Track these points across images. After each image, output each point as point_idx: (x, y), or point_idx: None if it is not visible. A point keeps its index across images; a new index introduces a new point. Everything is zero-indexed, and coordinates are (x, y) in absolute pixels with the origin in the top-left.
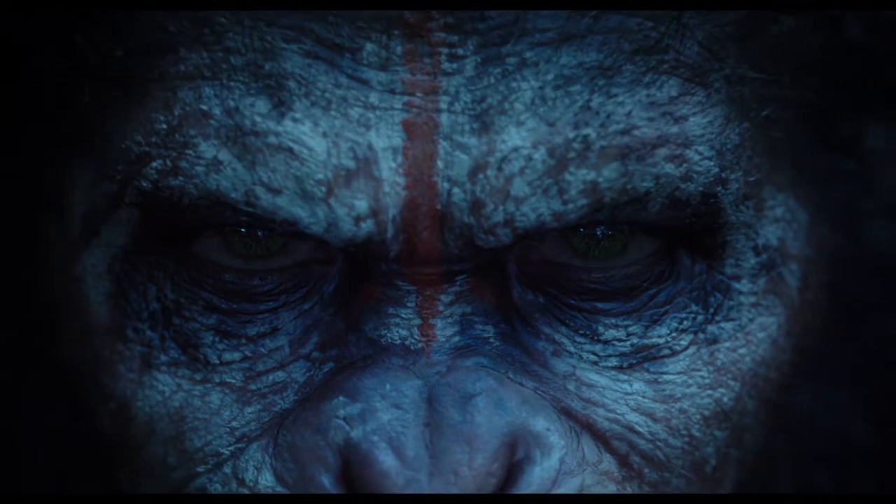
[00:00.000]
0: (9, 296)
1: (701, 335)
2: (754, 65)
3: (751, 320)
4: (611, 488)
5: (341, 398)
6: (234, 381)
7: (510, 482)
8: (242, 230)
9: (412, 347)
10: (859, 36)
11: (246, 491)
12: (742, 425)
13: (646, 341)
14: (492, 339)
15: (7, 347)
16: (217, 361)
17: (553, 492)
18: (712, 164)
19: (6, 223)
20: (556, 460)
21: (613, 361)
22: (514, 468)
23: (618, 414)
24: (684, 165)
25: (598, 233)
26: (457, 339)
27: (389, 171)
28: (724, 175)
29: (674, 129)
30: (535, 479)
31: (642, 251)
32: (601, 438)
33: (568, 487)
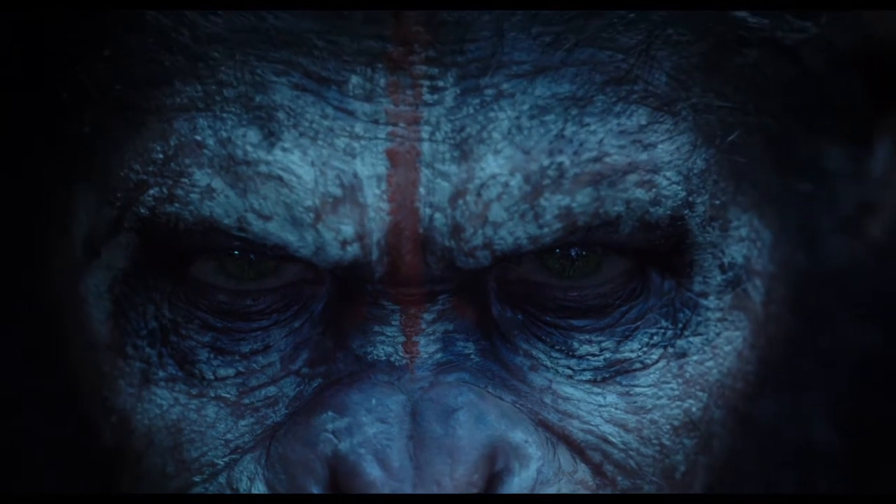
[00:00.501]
0: (16, 312)
1: (670, 349)
2: (719, 94)
3: (717, 334)
4: (583, 493)
5: (330, 413)
6: (228, 395)
7: (490, 492)
8: (235, 253)
9: (397, 364)
10: (816, 66)
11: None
12: (710, 433)
13: (618, 356)
14: (472, 356)
15: (15, 361)
16: (212, 377)
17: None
18: (680, 188)
19: (15, 243)
20: (534, 471)
21: (588, 375)
22: (493, 478)
23: (592, 425)
24: (653, 190)
25: (573, 254)
26: (439, 355)
27: (374, 197)
28: (691, 199)
29: (643, 156)
30: (513, 489)
31: (614, 270)
32: (576, 449)
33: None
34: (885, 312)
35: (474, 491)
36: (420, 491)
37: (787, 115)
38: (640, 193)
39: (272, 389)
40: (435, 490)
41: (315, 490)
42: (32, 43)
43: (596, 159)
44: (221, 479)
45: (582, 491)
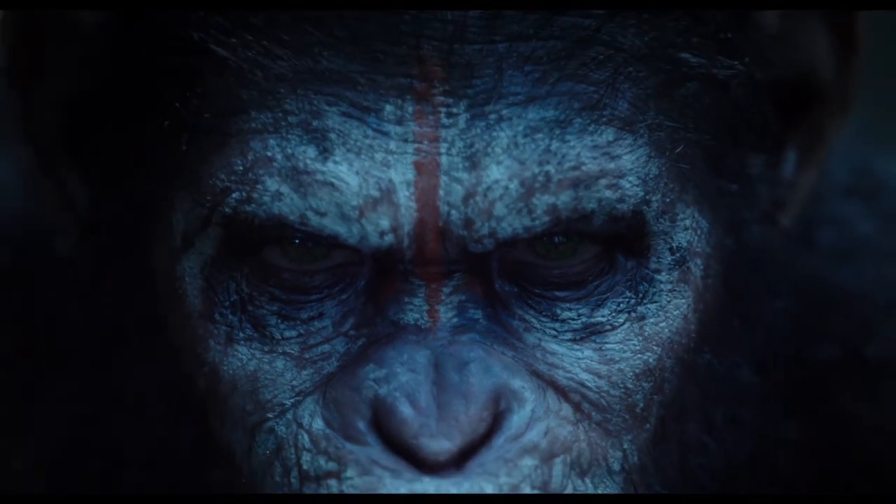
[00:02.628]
0: (133, 290)
1: (633, 314)
2: (668, 117)
3: (668, 302)
4: (568, 427)
5: (371, 365)
6: (292, 351)
7: (496, 426)
8: (297, 242)
9: (422, 327)
10: (741, 95)
11: (304, 432)
12: (662, 378)
13: (592, 320)
14: (480, 320)
15: (132, 328)
16: (279, 337)
17: (526, 433)
18: (639, 189)
19: (131, 237)
20: (529, 410)
21: (568, 335)
22: (498, 416)
23: (573, 374)
24: (619, 191)
25: (556, 240)
26: (455, 320)
27: (405, 198)
28: (647, 197)
29: (611, 165)
30: (514, 424)
31: (588, 253)
32: (561, 392)
33: (538, 429)
34: (791, 284)
35: (483, 425)
36: (441, 424)
37: (719, 133)
38: (608, 193)
39: (326, 347)
40: (454, 424)
41: (360, 424)
42: (144, 84)
43: (575, 168)
44: (289, 416)
45: (565, 424)
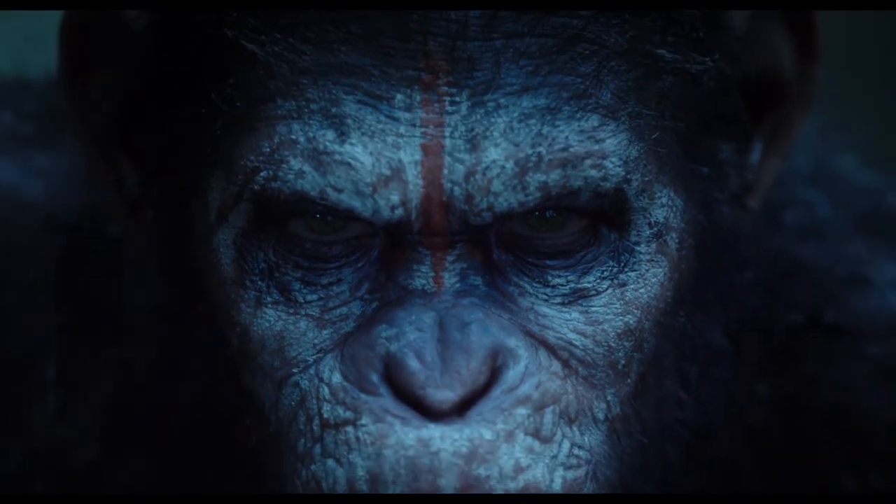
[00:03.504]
0: (174, 261)
1: (615, 281)
2: (647, 106)
3: (647, 270)
4: (557, 381)
5: (384, 325)
6: (313, 313)
7: (494, 380)
8: (318, 216)
9: (428, 291)
10: (712, 88)
11: (324, 385)
12: (642, 338)
13: (579, 286)
14: (480, 286)
15: (175, 294)
16: (302, 301)
17: (520, 386)
18: (621, 170)
19: (173, 215)
20: (523, 365)
21: (558, 299)
22: (496, 371)
23: (562, 334)
24: (602, 171)
25: (548, 215)
26: (458, 285)
27: (413, 176)
28: (628, 177)
29: (595, 148)
30: (509, 378)
31: (576, 227)
32: (551, 350)
33: (530, 383)
34: (758, 258)
35: (482, 378)
36: (445, 377)
37: (692, 122)
38: (593, 173)
39: (344, 309)
40: (456, 377)
41: (374, 378)
42: (184, 78)
43: (563, 150)
44: (311, 371)
45: (555, 378)
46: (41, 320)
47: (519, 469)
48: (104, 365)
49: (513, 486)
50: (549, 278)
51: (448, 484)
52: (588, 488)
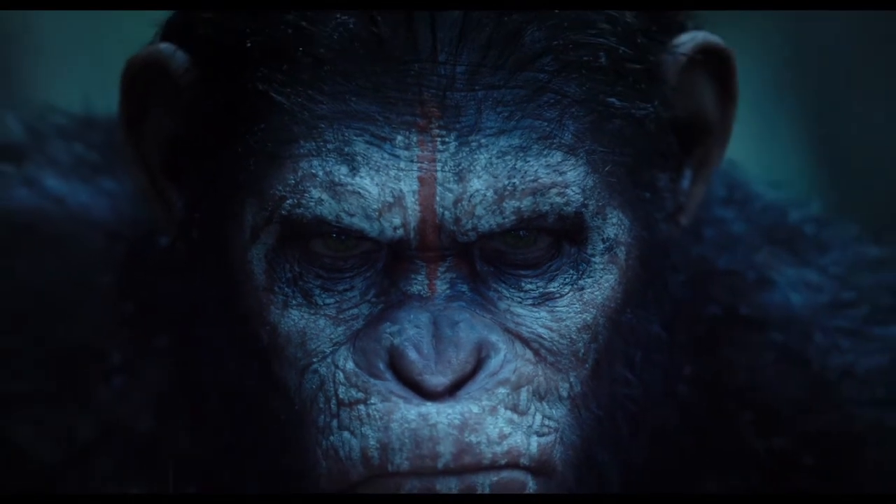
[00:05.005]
0: (215, 271)
1: (575, 286)
2: (600, 144)
3: (601, 277)
4: (530, 367)
5: (388, 323)
6: (331, 314)
7: (479, 367)
8: (334, 235)
9: (424, 296)
10: (652, 129)
11: (339, 371)
12: (597, 331)
13: (546, 290)
14: (466, 292)
15: (215, 299)
16: (321, 304)
17: (500, 371)
18: (580, 197)
19: (214, 234)
20: (503, 355)
21: (529, 301)
22: (481, 360)
23: (533, 329)
24: (565, 198)
25: (521, 234)
26: (448, 291)
27: (411, 203)
28: (586, 202)
29: (559, 179)
30: (491, 365)
31: (543, 243)
32: (525, 342)
33: (508, 368)
34: (687, 264)
35: (469, 367)
36: (439, 366)
37: (637, 156)
38: (558, 199)
39: (355, 310)
40: (448, 366)
41: (380, 365)
42: (223, 123)
43: (533, 181)
44: (328, 360)
45: (528, 364)
46: (108, 316)
47: (503, 436)
48: (158, 354)
49: (498, 450)
50: (522, 284)
51: (445, 450)
52: (556, 451)
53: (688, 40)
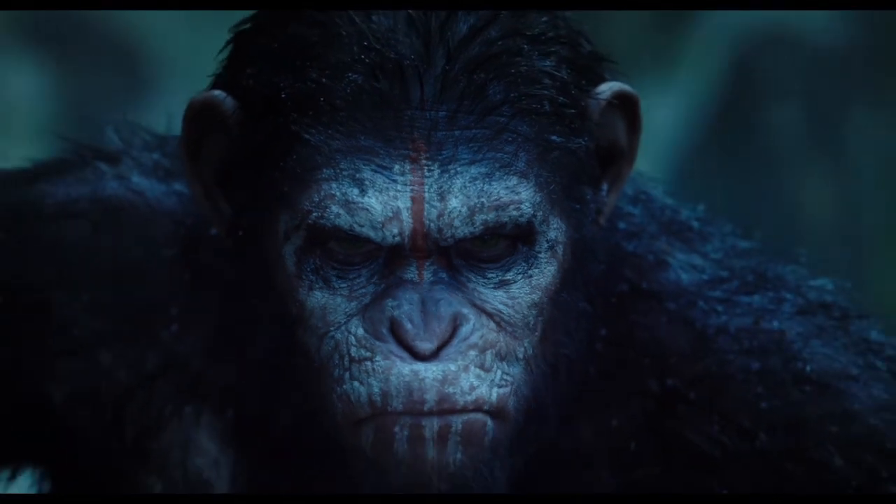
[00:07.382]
0: (257, 264)
1: (526, 275)
2: (545, 169)
3: (545, 268)
4: (493, 334)
5: (389, 300)
6: (344, 294)
7: (454, 334)
8: (347, 239)
9: (415, 281)
10: (582, 155)
11: (351, 335)
12: (542, 307)
13: (504, 278)
14: (445, 279)
15: (256, 284)
16: (337, 287)
17: (470, 337)
18: (531, 210)
19: (256, 235)
20: (472, 325)
21: (492, 285)
22: (456, 329)
23: (494, 305)
24: (520, 212)
25: (486, 238)
26: (432, 278)
27: (406, 217)
28: (535, 214)
29: (516, 198)
30: (463, 332)
31: (503, 244)
32: (489, 315)
33: (476, 335)
34: (605, 253)
35: (448, 334)
36: (426, 333)
37: (571, 177)
38: (514, 213)
39: (363, 290)
40: (433, 333)
41: (384, 331)
42: (263, 154)
43: (496, 200)
44: (343, 328)
45: (491, 332)
46: (171, 280)
47: (472, 388)
48: (207, 311)
49: (469, 399)
50: (487, 273)
51: (430, 398)
52: (511, 401)
53: (606, 89)
